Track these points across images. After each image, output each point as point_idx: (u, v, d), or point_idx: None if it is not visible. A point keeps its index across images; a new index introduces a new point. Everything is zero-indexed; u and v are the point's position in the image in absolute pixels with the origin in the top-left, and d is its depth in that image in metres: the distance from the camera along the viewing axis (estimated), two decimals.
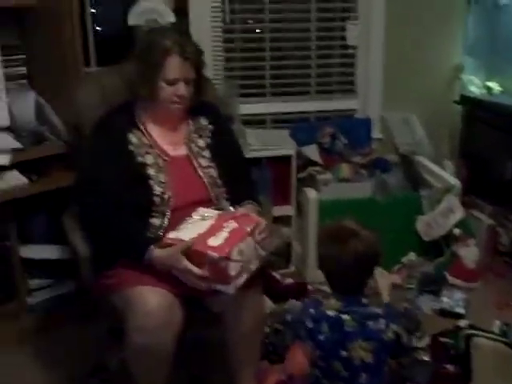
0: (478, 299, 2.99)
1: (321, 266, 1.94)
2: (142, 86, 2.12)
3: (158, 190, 2.08)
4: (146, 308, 1.87)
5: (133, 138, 2.13)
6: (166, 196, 2.08)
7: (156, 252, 1.95)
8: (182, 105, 2.15)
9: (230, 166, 2.25)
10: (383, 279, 2.98)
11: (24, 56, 2.71)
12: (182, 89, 2.09)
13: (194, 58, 2.11)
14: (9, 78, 2.59)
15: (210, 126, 2.28)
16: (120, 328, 1.95)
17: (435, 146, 3.61)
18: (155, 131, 2.18)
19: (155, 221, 2.07)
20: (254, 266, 1.98)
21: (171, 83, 2.08)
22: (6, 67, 2.56)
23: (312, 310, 1.91)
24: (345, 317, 1.85)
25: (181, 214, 2.05)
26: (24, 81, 2.71)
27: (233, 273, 1.89)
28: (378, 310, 1.87)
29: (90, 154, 2.14)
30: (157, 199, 2.07)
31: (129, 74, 2.18)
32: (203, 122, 2.28)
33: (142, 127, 2.16)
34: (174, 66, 2.07)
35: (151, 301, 1.88)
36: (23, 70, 2.71)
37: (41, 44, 2.68)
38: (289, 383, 2.31)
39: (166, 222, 2.07)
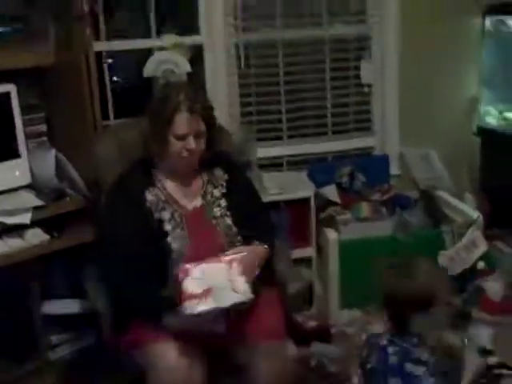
0: (506, 334, 2.94)
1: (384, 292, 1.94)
2: (153, 142, 2.16)
3: (175, 246, 2.10)
4: (167, 365, 1.89)
5: (149, 195, 2.16)
6: (183, 251, 2.10)
7: (168, 321, 1.97)
8: (193, 157, 2.17)
9: (247, 213, 2.26)
10: None
11: (44, 114, 2.78)
12: (191, 143, 2.12)
13: (203, 113, 2.14)
14: (29, 136, 2.67)
15: (225, 176, 2.30)
16: (141, 382, 1.97)
17: (455, 179, 3.60)
18: (171, 186, 2.21)
19: None
20: (228, 301, 1.92)
21: (181, 138, 2.11)
22: (26, 126, 2.63)
23: (372, 339, 1.96)
24: (390, 350, 1.86)
25: None
26: (44, 138, 2.77)
27: (189, 290, 1.89)
28: (424, 357, 1.83)
29: (107, 214, 2.19)
30: (174, 255, 2.09)
31: (144, 129, 2.23)
32: (217, 172, 2.30)
33: (158, 184, 2.19)
34: (182, 121, 2.10)
35: (172, 357, 1.90)
36: (43, 127, 2.77)
37: (60, 101, 2.75)
38: None
39: None
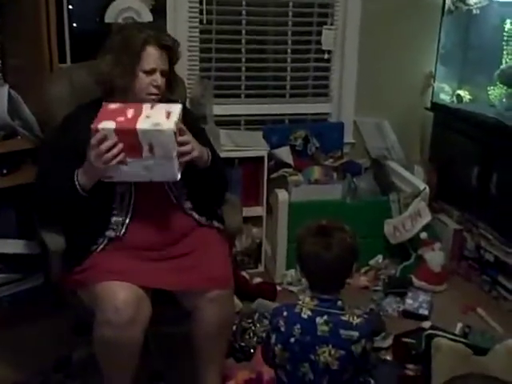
0: (443, 302, 3.07)
1: (301, 264, 1.92)
2: (120, 77, 2.08)
3: (118, 189, 2.08)
4: (114, 303, 1.89)
5: None
6: (127, 195, 2.09)
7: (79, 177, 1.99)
8: (157, 96, 2.13)
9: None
10: None
11: None
12: (158, 79, 2.10)
13: (172, 47, 2.13)
14: None
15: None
16: (86, 323, 1.97)
17: (406, 151, 3.68)
18: None
19: (116, 219, 2.08)
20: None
21: (149, 73, 2.08)
22: None
23: (285, 313, 1.91)
24: (318, 319, 1.84)
25: (144, 213, 2.09)
26: None
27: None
28: (353, 321, 1.84)
29: (50, 150, 2.15)
30: (117, 198, 2.08)
31: (100, 70, 2.13)
32: None
33: None
34: (152, 55, 2.08)
35: (120, 295, 1.90)
36: None
37: (17, 38, 2.69)
38: (257, 381, 2.35)
39: (127, 219, 2.09)
